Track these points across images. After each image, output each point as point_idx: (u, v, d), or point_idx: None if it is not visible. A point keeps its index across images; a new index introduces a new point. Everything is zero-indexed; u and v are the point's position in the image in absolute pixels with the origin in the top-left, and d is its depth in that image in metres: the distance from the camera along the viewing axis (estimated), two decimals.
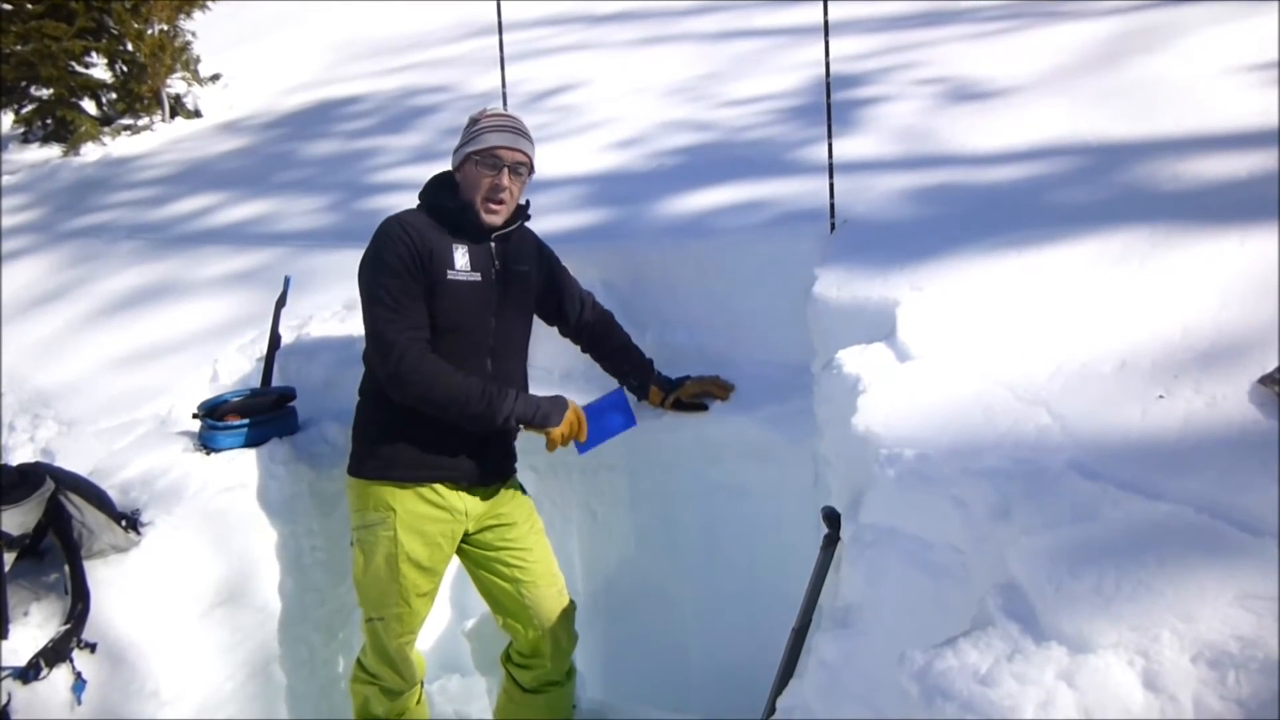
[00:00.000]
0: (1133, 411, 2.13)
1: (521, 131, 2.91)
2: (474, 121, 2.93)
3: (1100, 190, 3.19)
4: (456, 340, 2.86)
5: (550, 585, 3.09)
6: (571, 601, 3.16)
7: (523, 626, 3.08)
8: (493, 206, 2.87)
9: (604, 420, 2.98)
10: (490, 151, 2.84)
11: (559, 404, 2.88)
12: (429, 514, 2.89)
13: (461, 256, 2.86)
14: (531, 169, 2.96)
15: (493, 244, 2.93)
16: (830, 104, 3.40)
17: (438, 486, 2.89)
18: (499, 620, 3.15)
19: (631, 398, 3.41)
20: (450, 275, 2.83)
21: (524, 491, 3.18)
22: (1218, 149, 3.23)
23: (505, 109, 4.00)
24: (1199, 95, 3.68)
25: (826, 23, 3.37)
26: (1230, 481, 1.86)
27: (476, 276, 2.88)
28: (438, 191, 2.96)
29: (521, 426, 2.87)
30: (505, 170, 2.85)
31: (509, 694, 3.22)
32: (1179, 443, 2.01)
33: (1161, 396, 2.15)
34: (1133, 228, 2.80)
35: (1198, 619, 1.56)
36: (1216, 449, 1.97)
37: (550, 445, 2.90)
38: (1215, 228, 2.70)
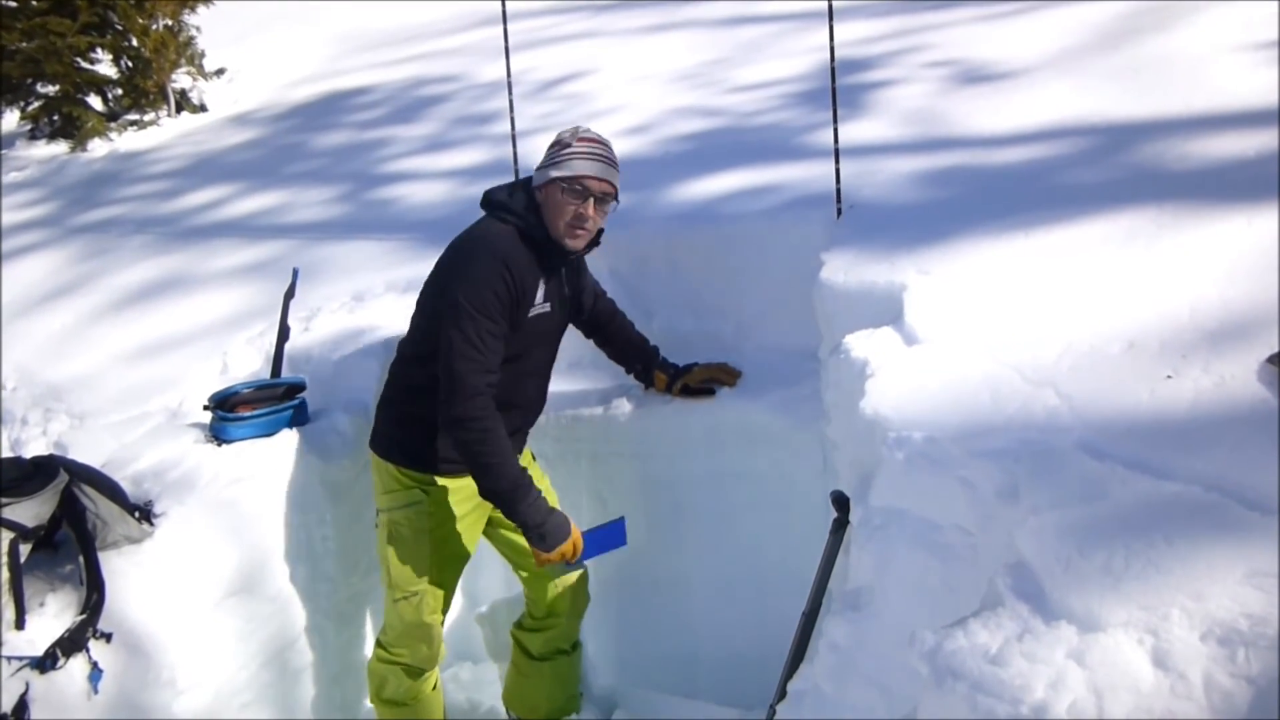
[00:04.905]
0: (1141, 391, 2.13)
1: (611, 161, 2.87)
2: (563, 144, 2.86)
3: (1108, 171, 3.18)
4: (525, 365, 2.91)
5: None
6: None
7: (541, 584, 3.14)
8: (577, 232, 2.83)
9: (600, 542, 2.90)
10: (579, 179, 2.79)
11: (561, 529, 2.78)
12: (465, 495, 2.95)
13: (541, 291, 2.87)
14: (617, 201, 2.92)
15: (564, 270, 2.96)
16: (835, 89, 3.40)
17: None
18: (520, 580, 3.21)
19: (638, 385, 3.42)
20: (532, 312, 2.84)
21: (534, 458, 3.25)
22: (1225, 128, 3.22)
23: (509, 96, 4.00)
24: (1207, 75, 3.66)
25: (831, 7, 3.37)
26: (1238, 460, 1.86)
27: (548, 307, 2.90)
28: (527, 214, 2.85)
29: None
30: (592, 200, 2.81)
31: (517, 665, 3.28)
32: (1187, 422, 2.01)
33: (1169, 376, 2.15)
34: (1140, 208, 2.80)
35: (1207, 597, 1.56)
36: (1225, 428, 1.97)
37: (537, 561, 2.84)
38: (1222, 207, 2.69)
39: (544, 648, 3.22)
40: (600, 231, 2.95)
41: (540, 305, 2.86)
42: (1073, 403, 2.14)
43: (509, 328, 2.77)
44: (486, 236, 2.83)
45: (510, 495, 2.74)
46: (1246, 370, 2.11)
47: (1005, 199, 3.15)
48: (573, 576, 3.16)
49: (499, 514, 3.03)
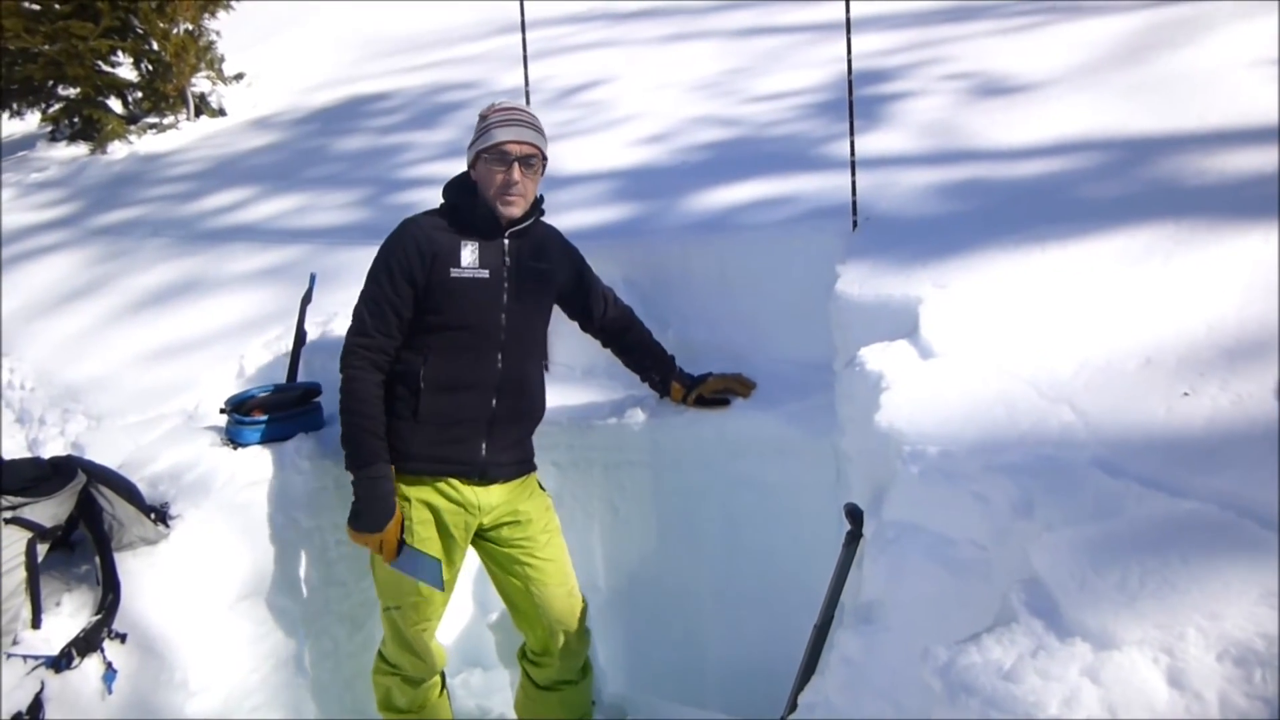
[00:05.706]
0: (1157, 408, 2.12)
1: (529, 123, 2.92)
2: (483, 118, 2.96)
3: (1125, 186, 3.17)
4: (465, 337, 2.89)
5: (560, 585, 3.09)
6: (584, 602, 3.16)
7: (532, 625, 3.10)
8: (509, 199, 2.89)
9: (413, 564, 2.89)
10: (498, 147, 2.86)
11: (375, 520, 2.82)
12: (444, 506, 2.91)
13: (469, 254, 2.90)
14: (544, 160, 2.97)
15: (506, 240, 2.95)
16: (852, 100, 3.40)
17: (452, 480, 2.91)
18: (513, 617, 3.17)
19: (652, 393, 3.43)
20: (454, 273, 2.86)
21: (542, 489, 3.19)
22: (1243, 144, 3.20)
23: (528, 105, 4.02)
24: (1224, 90, 3.65)
25: (849, 19, 3.37)
26: (1256, 479, 1.85)
27: (484, 273, 2.90)
28: (455, 192, 3.00)
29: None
30: (515, 164, 2.87)
31: (525, 690, 3.25)
32: (1204, 440, 2.00)
33: (1186, 393, 2.14)
34: (1157, 224, 2.79)
35: (1223, 616, 1.55)
36: (1242, 446, 1.96)
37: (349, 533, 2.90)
38: (1240, 224, 2.68)
39: (546, 680, 3.17)
40: (540, 200, 3.02)
41: (470, 269, 2.88)
42: (1088, 419, 2.14)
43: (424, 286, 2.85)
44: (401, 221, 2.99)
45: (348, 456, 2.85)
46: (1264, 388, 2.10)
47: (1022, 213, 3.14)
48: (563, 616, 3.07)
49: (488, 543, 3.05)
